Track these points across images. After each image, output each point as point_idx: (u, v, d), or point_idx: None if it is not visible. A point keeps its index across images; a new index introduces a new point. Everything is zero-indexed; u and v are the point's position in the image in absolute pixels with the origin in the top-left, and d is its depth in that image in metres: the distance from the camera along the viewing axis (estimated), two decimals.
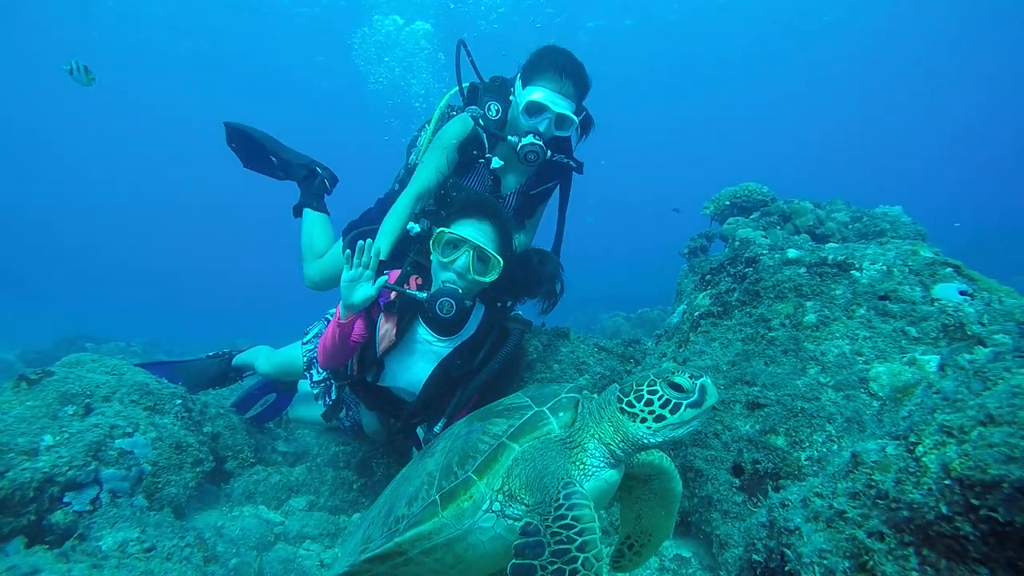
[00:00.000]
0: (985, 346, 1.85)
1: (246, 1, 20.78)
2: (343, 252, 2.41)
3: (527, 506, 1.21)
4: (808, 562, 0.63)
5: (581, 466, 1.27)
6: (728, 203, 5.72)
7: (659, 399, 1.22)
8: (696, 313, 2.39)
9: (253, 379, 3.91)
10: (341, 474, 3.15)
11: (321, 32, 21.56)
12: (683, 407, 1.20)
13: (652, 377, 1.26)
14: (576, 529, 1.03)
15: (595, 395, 1.39)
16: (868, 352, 1.90)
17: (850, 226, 5.01)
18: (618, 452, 1.28)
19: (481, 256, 2.43)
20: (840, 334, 1.98)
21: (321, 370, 2.96)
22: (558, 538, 1.03)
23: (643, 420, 1.23)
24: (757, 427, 1.84)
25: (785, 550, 0.68)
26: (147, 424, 2.86)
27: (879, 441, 0.68)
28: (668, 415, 1.21)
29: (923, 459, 0.61)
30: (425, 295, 2.44)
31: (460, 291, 2.41)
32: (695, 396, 1.21)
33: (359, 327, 2.53)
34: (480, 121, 3.08)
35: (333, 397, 2.97)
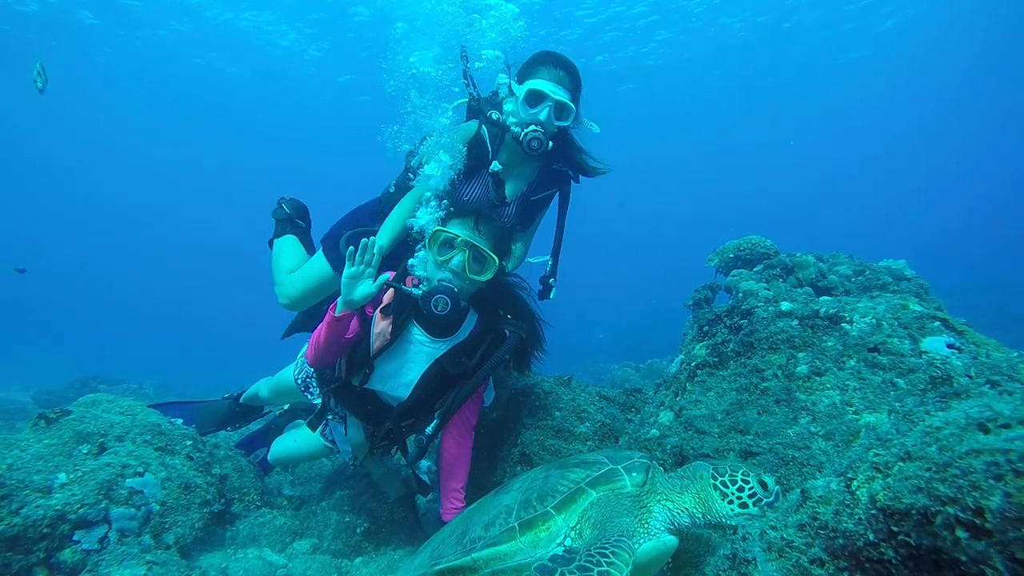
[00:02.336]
0: (971, 399, 1.90)
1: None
2: (343, 248, 2.48)
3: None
4: None
5: (644, 525, 1.41)
6: (732, 255, 5.82)
7: (748, 489, 1.38)
8: (693, 363, 2.46)
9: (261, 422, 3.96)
10: (345, 518, 3.18)
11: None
12: (763, 503, 1.35)
13: (746, 469, 1.43)
14: (608, 560, 1.13)
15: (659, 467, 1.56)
16: (858, 403, 1.96)
17: (853, 279, 5.06)
18: (684, 521, 1.43)
19: (477, 255, 2.46)
20: (831, 385, 2.04)
21: (312, 383, 2.96)
22: (590, 560, 1.14)
23: (731, 502, 1.39)
24: None
25: None
26: (158, 464, 2.93)
27: (826, 479, 0.75)
28: (750, 506, 1.36)
29: (857, 492, 0.68)
30: (420, 292, 2.45)
31: (455, 289, 2.43)
32: (772, 498, 1.36)
33: (354, 324, 2.53)
34: (484, 128, 3.14)
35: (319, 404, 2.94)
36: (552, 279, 3.45)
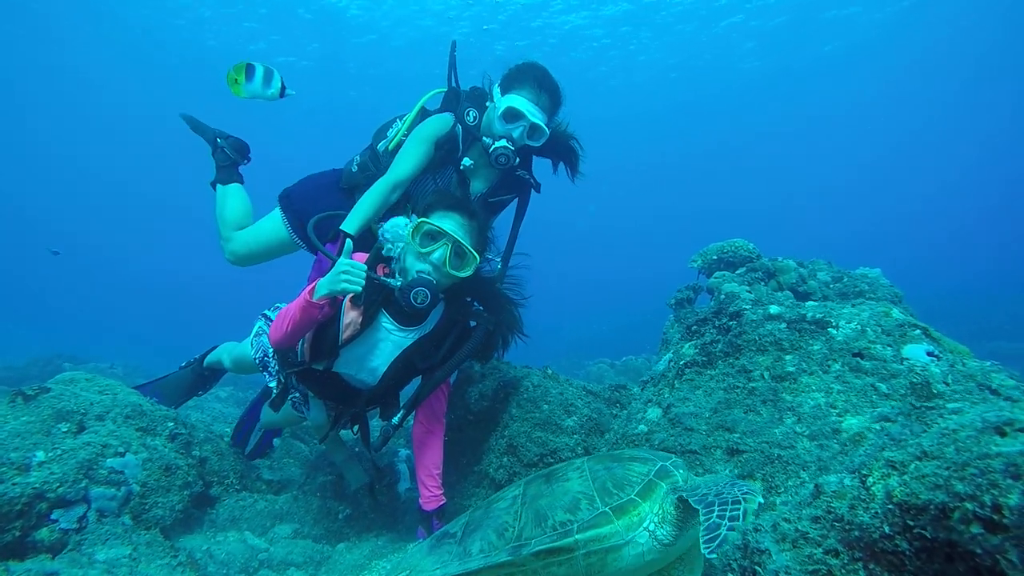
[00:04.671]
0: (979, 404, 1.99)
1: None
2: (310, 232, 2.54)
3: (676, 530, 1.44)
4: None
5: None
6: (715, 258, 5.92)
7: None
8: (682, 361, 2.51)
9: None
10: (327, 503, 3.18)
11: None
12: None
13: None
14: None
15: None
16: (841, 405, 2.02)
17: (831, 285, 5.18)
18: None
19: (458, 251, 2.46)
20: (816, 387, 2.10)
21: (272, 365, 2.89)
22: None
23: None
24: (736, 471, 1.93)
25: (756, 568, 0.78)
26: (139, 445, 2.89)
27: (839, 475, 0.79)
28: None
29: (872, 488, 0.72)
30: (399, 283, 2.44)
31: (434, 282, 2.43)
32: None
33: (326, 307, 2.49)
34: (459, 124, 3.17)
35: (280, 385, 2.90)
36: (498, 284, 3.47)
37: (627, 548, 1.46)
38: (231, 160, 3.72)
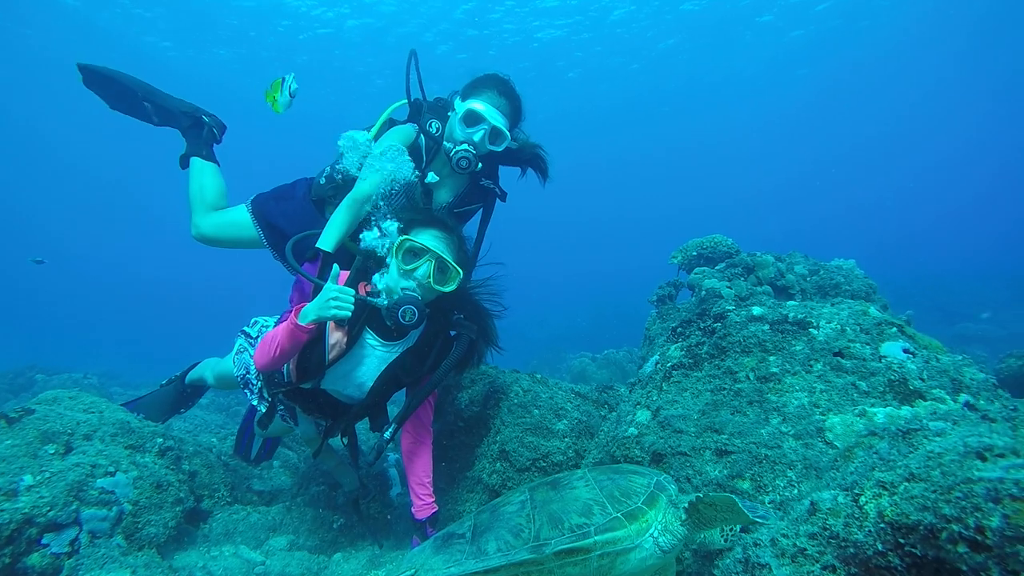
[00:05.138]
0: (925, 400, 2.07)
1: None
2: (289, 254, 2.54)
3: (677, 538, 1.61)
4: None
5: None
6: (695, 253, 6.00)
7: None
8: (669, 364, 2.57)
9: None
10: (321, 514, 3.18)
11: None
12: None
13: None
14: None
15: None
16: (824, 404, 2.10)
17: (808, 279, 5.28)
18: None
19: (441, 266, 2.48)
20: (799, 387, 2.17)
21: (254, 383, 2.90)
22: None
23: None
24: (725, 472, 2.00)
25: None
26: (128, 463, 2.87)
27: (832, 492, 0.84)
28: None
29: (865, 507, 0.77)
30: (385, 302, 2.45)
31: (419, 298, 2.45)
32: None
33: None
34: (422, 137, 3.17)
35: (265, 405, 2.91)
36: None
37: (634, 552, 1.59)
38: (214, 138, 3.70)
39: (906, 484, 0.72)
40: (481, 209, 3.50)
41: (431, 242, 2.47)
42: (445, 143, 3.11)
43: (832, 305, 2.50)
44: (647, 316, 5.86)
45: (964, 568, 0.63)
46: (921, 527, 0.68)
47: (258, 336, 2.99)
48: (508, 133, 3.12)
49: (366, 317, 2.55)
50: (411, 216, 2.61)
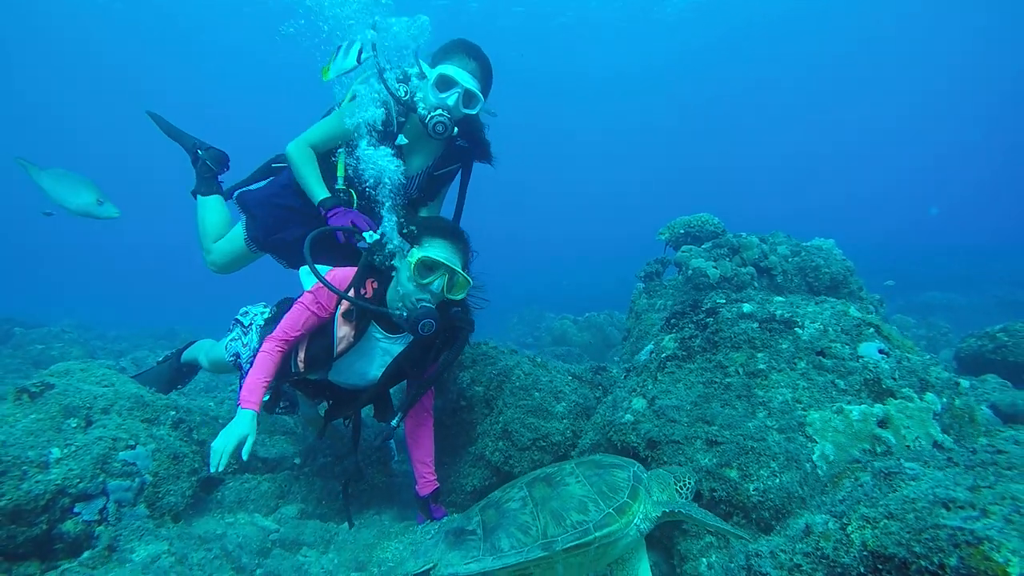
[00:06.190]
0: (895, 398, 2.29)
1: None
2: (307, 251, 2.65)
3: (653, 522, 1.93)
4: None
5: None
6: (683, 231, 6.16)
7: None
8: (663, 355, 2.76)
9: None
10: (329, 484, 3.37)
11: None
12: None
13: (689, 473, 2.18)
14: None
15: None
16: (806, 400, 2.31)
17: (790, 259, 5.48)
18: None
19: (452, 277, 2.62)
20: (784, 383, 2.38)
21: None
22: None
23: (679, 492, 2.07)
24: (714, 461, 2.21)
25: None
26: (146, 436, 3.01)
27: (824, 516, 1.02)
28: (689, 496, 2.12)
29: (852, 535, 0.95)
30: (404, 314, 2.59)
31: (434, 308, 2.59)
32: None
33: (311, 321, 2.72)
34: (391, 101, 3.19)
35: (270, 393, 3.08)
36: None
37: (623, 540, 1.87)
38: (212, 172, 3.79)
39: (886, 521, 0.90)
40: (460, 170, 3.56)
41: (444, 255, 2.58)
42: (420, 110, 3.12)
43: (816, 304, 2.70)
44: (630, 284, 6.05)
45: None
46: (896, 559, 0.86)
47: (250, 325, 3.21)
48: (481, 95, 3.16)
49: (372, 312, 2.70)
50: (419, 226, 2.68)
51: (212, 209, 3.77)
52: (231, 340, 3.26)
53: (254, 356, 3.07)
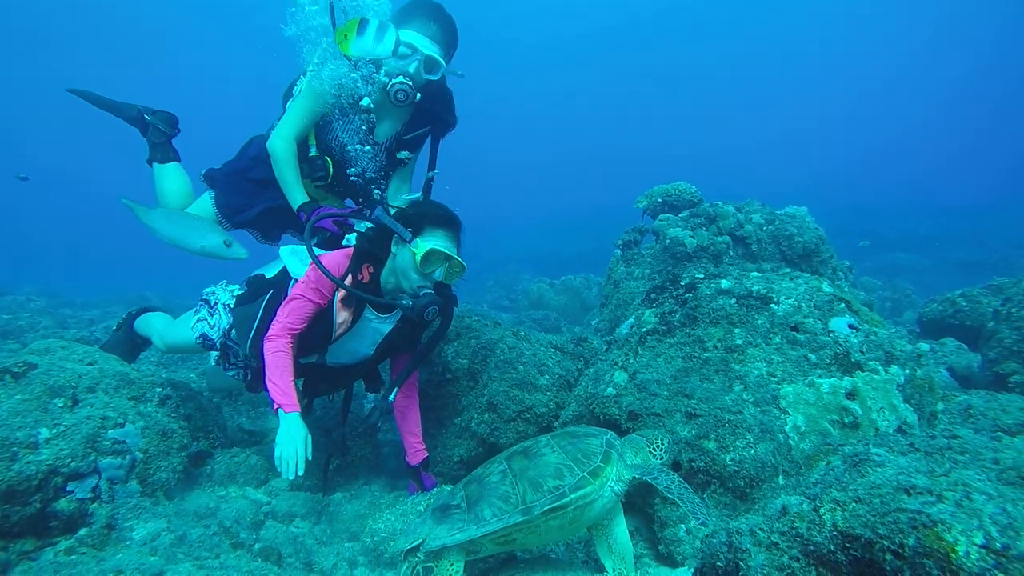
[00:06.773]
0: (863, 371, 2.42)
1: None
2: (307, 237, 2.69)
3: (626, 484, 2.05)
4: (755, 571, 1.07)
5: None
6: (660, 200, 6.23)
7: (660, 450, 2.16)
8: (643, 329, 2.85)
9: None
10: (317, 456, 3.44)
11: None
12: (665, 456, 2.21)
13: (661, 436, 2.24)
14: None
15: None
16: (780, 374, 2.43)
17: (765, 228, 5.59)
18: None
19: (451, 264, 2.70)
20: (759, 358, 2.50)
21: (220, 350, 3.21)
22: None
23: (652, 454, 2.16)
24: (693, 432, 2.33)
25: (739, 562, 1.11)
26: (134, 414, 3.03)
27: (799, 497, 1.12)
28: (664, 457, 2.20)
29: (823, 516, 1.05)
30: (409, 303, 2.66)
31: (435, 294, 2.68)
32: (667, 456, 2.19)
33: (313, 311, 2.74)
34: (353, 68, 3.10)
35: (251, 373, 3.20)
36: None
37: (598, 501, 1.98)
38: (164, 136, 3.64)
39: (854, 505, 1.00)
40: (431, 134, 3.50)
41: (445, 245, 2.64)
42: (381, 77, 3.05)
43: (791, 280, 2.81)
44: (606, 245, 6.11)
45: (888, 569, 0.92)
46: (863, 539, 0.96)
47: (215, 305, 3.21)
48: (443, 61, 3.09)
49: (374, 302, 2.76)
50: (417, 215, 2.71)
51: (171, 177, 3.65)
52: (197, 321, 3.24)
53: (226, 338, 3.12)
